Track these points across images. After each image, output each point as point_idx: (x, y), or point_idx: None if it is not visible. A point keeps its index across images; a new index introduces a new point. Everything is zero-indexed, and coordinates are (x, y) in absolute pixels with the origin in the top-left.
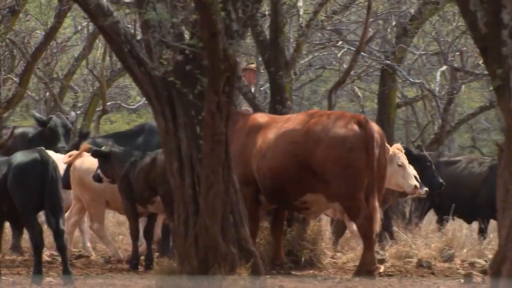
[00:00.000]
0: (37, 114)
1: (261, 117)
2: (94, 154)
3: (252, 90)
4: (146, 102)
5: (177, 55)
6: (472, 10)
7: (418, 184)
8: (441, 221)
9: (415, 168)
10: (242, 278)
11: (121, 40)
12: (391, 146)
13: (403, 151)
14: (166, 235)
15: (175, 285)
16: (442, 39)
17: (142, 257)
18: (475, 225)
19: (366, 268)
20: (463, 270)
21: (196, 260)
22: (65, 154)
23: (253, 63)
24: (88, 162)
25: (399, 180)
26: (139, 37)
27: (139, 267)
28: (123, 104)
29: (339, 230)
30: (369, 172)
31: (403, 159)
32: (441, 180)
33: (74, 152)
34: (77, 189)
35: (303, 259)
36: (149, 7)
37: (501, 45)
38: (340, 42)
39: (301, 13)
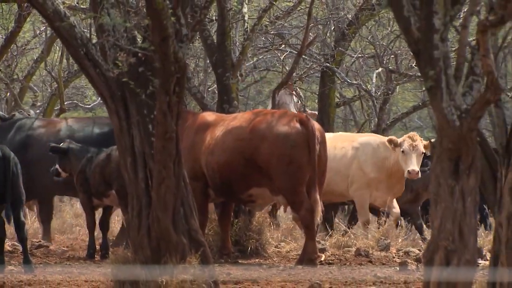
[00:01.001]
0: (0, 112)
1: (209, 116)
2: (53, 150)
3: (295, 99)
4: (101, 101)
5: (130, 58)
6: (406, 15)
7: (412, 170)
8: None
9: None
10: (192, 266)
11: (77, 44)
12: None
13: (416, 140)
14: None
15: (130, 273)
16: (377, 43)
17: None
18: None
19: (308, 256)
20: (398, 258)
21: (149, 250)
22: None
23: None
24: None
25: (402, 165)
26: (94, 41)
27: (95, 256)
28: (79, 104)
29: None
30: (310, 167)
31: (408, 146)
32: None
33: None
34: None
35: (249, 248)
36: (103, 13)
37: (433, 49)
38: (283, 46)
39: (246, 18)
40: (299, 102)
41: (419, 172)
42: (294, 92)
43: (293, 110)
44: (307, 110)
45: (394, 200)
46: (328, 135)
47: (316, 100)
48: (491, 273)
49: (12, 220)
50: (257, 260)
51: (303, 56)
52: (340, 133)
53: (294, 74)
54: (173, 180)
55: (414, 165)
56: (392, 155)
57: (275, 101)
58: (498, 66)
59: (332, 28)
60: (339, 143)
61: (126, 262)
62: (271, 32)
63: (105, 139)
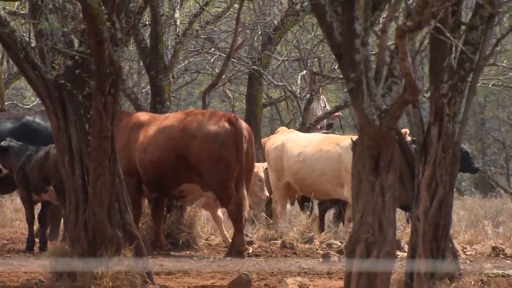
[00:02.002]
0: None
1: (143, 116)
2: None
3: (322, 104)
4: (40, 102)
5: (67, 61)
6: (328, 21)
7: None
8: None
9: None
10: (127, 258)
11: (17, 47)
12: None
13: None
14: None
15: (67, 265)
16: (302, 46)
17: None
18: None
19: (236, 249)
20: (321, 250)
21: (85, 243)
22: None
23: None
24: None
25: None
26: (33, 44)
27: (34, 249)
28: (19, 104)
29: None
30: (238, 164)
31: None
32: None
33: None
34: None
35: (180, 241)
36: (42, 18)
37: (354, 52)
38: (213, 49)
39: (178, 23)
40: (326, 107)
41: None
42: (322, 96)
43: (319, 113)
44: (339, 112)
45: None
46: (315, 137)
47: (244, 101)
48: (409, 264)
49: None
50: (188, 252)
51: (232, 59)
52: (330, 135)
53: (223, 76)
54: (108, 176)
55: None
56: None
57: (205, 102)
58: (415, 69)
59: (259, 33)
60: (325, 146)
61: (64, 255)
62: (202, 36)
63: (17, 132)
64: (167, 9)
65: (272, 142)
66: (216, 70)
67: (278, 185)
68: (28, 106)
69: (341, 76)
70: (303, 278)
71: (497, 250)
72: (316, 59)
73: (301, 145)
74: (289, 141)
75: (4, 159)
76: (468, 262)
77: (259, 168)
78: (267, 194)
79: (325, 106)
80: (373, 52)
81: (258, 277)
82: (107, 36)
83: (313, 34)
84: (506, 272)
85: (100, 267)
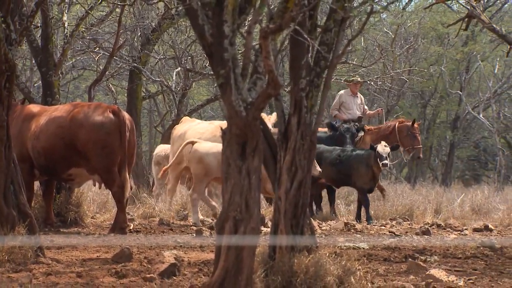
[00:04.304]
0: None
1: (35, 107)
2: None
3: (359, 101)
4: None
5: None
6: (200, 24)
7: None
8: None
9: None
10: (21, 235)
11: None
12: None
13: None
14: None
15: None
16: (177, 46)
17: None
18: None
19: (119, 226)
20: (195, 226)
21: None
22: None
23: (356, 76)
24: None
25: None
26: None
27: None
28: None
29: None
30: (121, 150)
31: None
32: None
33: None
34: (193, 165)
35: (69, 219)
36: None
37: (223, 51)
38: (97, 49)
39: (66, 25)
40: (362, 104)
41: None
42: (358, 93)
43: (356, 111)
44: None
45: None
46: (211, 125)
47: (126, 94)
48: (272, 238)
49: None
50: (76, 229)
51: (115, 57)
52: (225, 122)
53: (107, 73)
54: (4, 162)
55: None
56: None
57: (91, 95)
58: (277, 66)
59: (139, 34)
60: (218, 132)
61: None
62: (87, 37)
63: None
64: (56, 13)
65: (177, 131)
66: (100, 67)
67: (176, 168)
68: None
69: (212, 72)
70: (178, 251)
71: (348, 225)
72: (190, 57)
73: (199, 132)
74: (190, 130)
75: None
76: (323, 236)
77: None
78: (319, 169)
79: (361, 103)
80: (240, 51)
81: (138, 251)
82: (2, 36)
83: (186, 35)
84: (357, 245)
85: None
